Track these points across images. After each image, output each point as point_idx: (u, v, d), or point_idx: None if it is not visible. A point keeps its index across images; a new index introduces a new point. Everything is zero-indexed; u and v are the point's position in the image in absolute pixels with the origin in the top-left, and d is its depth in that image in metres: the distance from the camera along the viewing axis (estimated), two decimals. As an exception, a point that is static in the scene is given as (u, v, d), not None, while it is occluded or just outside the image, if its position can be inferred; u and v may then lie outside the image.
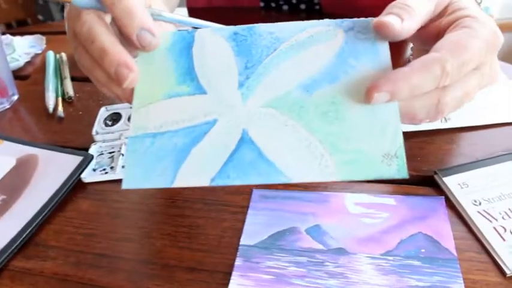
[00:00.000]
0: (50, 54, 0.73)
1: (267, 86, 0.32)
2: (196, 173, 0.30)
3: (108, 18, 0.35)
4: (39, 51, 0.78)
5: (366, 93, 0.29)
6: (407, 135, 0.49)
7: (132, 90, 0.34)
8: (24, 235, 0.42)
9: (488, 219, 0.39)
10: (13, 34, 0.82)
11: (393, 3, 0.32)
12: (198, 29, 0.35)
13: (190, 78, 0.33)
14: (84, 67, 0.36)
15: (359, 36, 0.33)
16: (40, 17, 0.91)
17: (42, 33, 0.82)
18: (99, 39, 0.32)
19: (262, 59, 0.33)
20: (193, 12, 0.83)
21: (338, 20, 0.33)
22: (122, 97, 0.36)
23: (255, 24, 0.34)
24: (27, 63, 0.76)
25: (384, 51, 0.32)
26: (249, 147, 0.30)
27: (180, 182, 0.30)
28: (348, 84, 0.31)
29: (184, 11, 0.84)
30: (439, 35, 0.33)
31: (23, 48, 0.78)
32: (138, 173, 0.31)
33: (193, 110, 0.32)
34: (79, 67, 0.37)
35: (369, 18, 0.33)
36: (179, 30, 0.36)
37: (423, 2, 0.33)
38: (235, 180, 0.30)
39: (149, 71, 0.34)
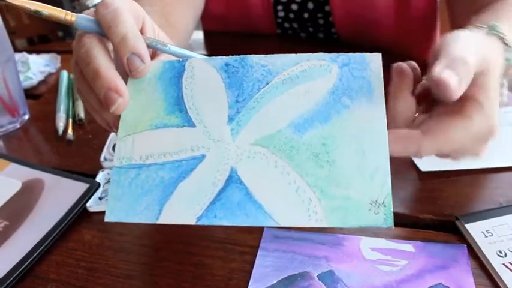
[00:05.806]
0: (64, 74, 0.73)
1: (258, 122, 0.31)
2: (183, 209, 0.29)
3: (110, 44, 0.35)
4: (54, 71, 0.78)
5: None
6: (426, 176, 0.48)
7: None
8: (23, 266, 0.41)
9: (515, 274, 0.36)
10: (29, 52, 0.81)
11: (455, 55, 0.29)
12: (190, 59, 0.35)
13: (179, 109, 0.33)
14: (81, 92, 0.36)
15: (354, 73, 0.31)
16: (60, 34, 0.93)
17: (58, 52, 0.82)
18: (94, 62, 0.32)
19: (254, 93, 0.32)
20: (209, 36, 0.83)
21: (333, 55, 0.32)
22: (111, 125, 0.35)
23: (247, 56, 0.33)
24: (41, 82, 0.75)
25: (378, 91, 0.31)
26: (237, 186, 0.30)
27: (166, 218, 0.29)
28: (340, 125, 0.30)
29: (200, 34, 0.83)
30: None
31: (38, 66, 0.78)
32: (122, 206, 0.30)
33: (180, 143, 0.32)
34: (77, 94, 0.36)
35: (365, 54, 0.32)
36: (171, 60, 0.35)
37: (476, 62, 0.29)
38: (222, 220, 0.29)
39: (138, 99, 0.34)
